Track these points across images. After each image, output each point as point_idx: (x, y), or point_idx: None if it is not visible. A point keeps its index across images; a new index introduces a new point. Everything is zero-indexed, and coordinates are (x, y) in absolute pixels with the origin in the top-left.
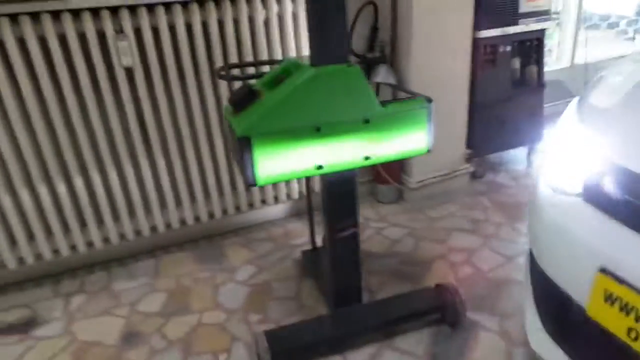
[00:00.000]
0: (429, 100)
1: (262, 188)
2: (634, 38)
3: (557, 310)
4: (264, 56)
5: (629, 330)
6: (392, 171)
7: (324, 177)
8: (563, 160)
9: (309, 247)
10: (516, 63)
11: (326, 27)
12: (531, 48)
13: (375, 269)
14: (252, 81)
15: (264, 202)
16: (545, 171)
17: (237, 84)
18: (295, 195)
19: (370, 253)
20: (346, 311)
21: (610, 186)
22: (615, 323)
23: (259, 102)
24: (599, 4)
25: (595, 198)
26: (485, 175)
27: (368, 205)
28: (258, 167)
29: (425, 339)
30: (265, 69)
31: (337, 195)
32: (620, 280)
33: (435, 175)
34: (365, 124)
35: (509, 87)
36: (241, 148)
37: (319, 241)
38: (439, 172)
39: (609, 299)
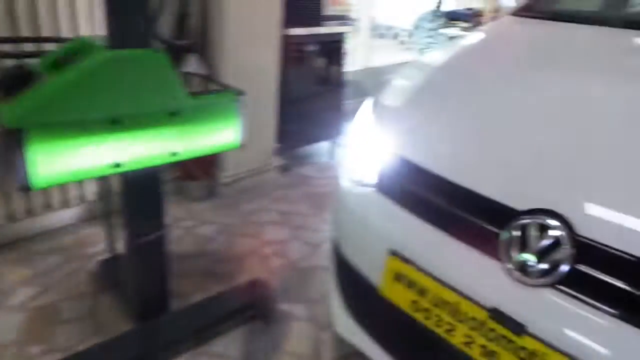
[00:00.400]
0: (240, 93)
1: (45, 190)
2: (411, 47)
3: (357, 292)
4: (46, 32)
5: (412, 302)
6: (203, 167)
7: (123, 176)
8: (361, 154)
9: (107, 255)
10: (320, 62)
11: (127, 3)
12: (333, 49)
13: (186, 271)
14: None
15: (48, 206)
16: (345, 164)
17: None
18: (90, 196)
19: (181, 254)
20: (153, 324)
21: (396, 177)
22: (402, 298)
23: (37, 87)
24: (385, 15)
25: (385, 188)
26: (293, 168)
27: (177, 204)
28: (36, 167)
29: (239, 338)
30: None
31: (140, 195)
32: (406, 261)
33: (247, 170)
34: (171, 116)
35: (314, 84)
36: (11, 142)
37: (120, 248)
38: (250, 167)
39: (398, 278)
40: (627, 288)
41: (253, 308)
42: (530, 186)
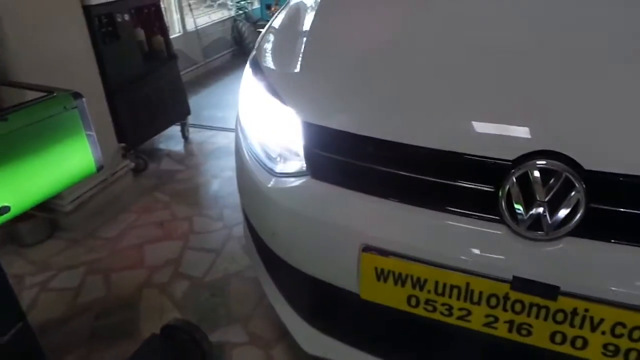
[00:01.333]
0: (77, 95)
1: None
2: (224, 4)
3: (327, 306)
4: None
5: (409, 298)
6: None
7: None
8: (272, 141)
9: None
10: (141, 34)
11: None
12: (151, 16)
13: (65, 343)
14: None
15: None
16: (253, 157)
17: None
18: None
19: (46, 325)
20: None
21: (337, 156)
22: (393, 297)
23: None
24: None
25: (326, 174)
26: (148, 166)
27: (12, 256)
28: None
29: None
30: None
31: None
32: (387, 253)
33: (91, 187)
34: None
35: (141, 62)
36: None
37: None
38: (94, 181)
39: (381, 275)
40: None
41: (182, 356)
42: (515, 129)
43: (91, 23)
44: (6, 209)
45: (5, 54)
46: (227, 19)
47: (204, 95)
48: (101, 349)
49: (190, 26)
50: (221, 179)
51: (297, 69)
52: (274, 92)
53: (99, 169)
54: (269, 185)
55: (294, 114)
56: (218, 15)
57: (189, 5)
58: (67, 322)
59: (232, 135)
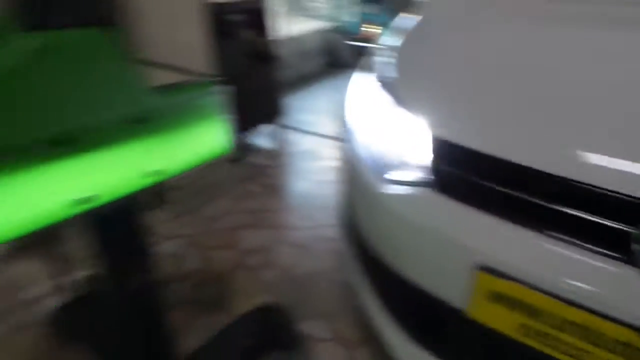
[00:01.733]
0: (224, 82)
1: None
2: (322, 17)
3: (430, 317)
4: None
5: (521, 326)
6: None
7: (87, 214)
8: (390, 148)
9: (63, 300)
10: (249, 34)
11: None
12: (256, 19)
13: (168, 303)
14: None
15: None
16: (367, 162)
17: None
18: None
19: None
20: None
21: (461, 172)
22: (504, 322)
23: None
24: None
25: (448, 188)
26: (243, 158)
27: None
28: None
29: None
30: None
31: (116, 235)
32: (506, 277)
33: (198, 168)
34: (138, 124)
35: (246, 60)
36: None
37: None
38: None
39: (495, 298)
40: None
41: (271, 339)
42: None
43: (209, 19)
44: (158, 173)
45: (144, 43)
46: (321, 30)
47: (294, 99)
48: (197, 315)
49: (284, 33)
50: (310, 182)
51: (430, 84)
52: (402, 102)
53: (231, 150)
54: (386, 192)
55: (424, 126)
56: (313, 25)
57: (285, 13)
58: (171, 284)
59: (318, 139)
